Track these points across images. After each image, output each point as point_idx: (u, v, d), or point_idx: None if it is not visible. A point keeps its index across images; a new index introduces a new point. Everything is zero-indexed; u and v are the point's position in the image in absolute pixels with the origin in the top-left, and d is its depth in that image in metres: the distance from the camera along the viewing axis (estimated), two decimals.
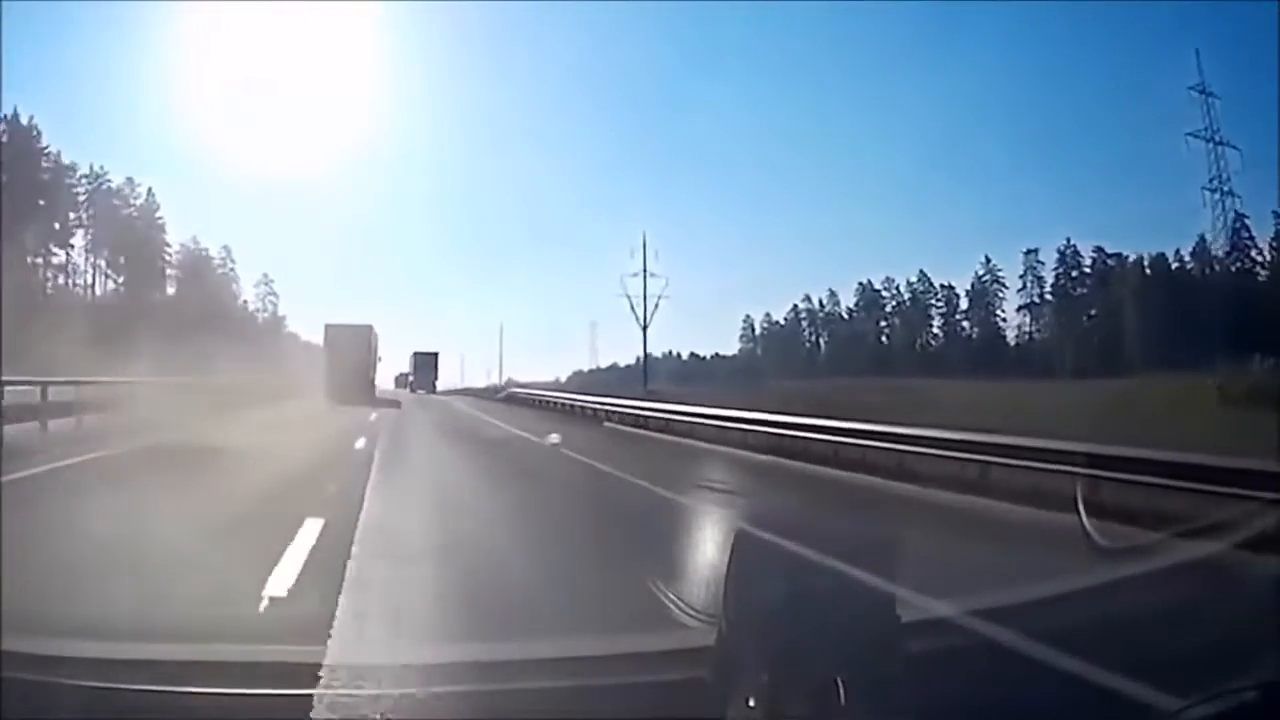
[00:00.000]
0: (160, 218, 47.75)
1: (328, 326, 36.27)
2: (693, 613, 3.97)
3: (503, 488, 12.59)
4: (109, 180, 46.74)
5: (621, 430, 23.74)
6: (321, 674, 3.58)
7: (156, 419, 18.82)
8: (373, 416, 25.84)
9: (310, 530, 7.49)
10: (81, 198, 45.96)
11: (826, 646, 2.99)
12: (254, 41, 44.66)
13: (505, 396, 42.38)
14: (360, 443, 17.51)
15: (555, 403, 34.64)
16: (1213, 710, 2.44)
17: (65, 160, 45.00)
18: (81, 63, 49.63)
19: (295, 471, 12.49)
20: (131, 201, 47.57)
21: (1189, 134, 36.16)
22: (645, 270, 40.10)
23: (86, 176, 46.11)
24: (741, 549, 3.68)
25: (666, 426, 21.50)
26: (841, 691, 2.85)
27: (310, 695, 3.36)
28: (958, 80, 42.87)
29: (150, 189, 47.10)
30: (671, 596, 4.43)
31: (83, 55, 46.01)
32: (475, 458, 17.16)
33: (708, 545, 6.49)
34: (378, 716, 3.31)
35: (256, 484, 10.66)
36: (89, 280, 46.36)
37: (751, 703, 2.85)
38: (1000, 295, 45.91)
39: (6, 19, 31.45)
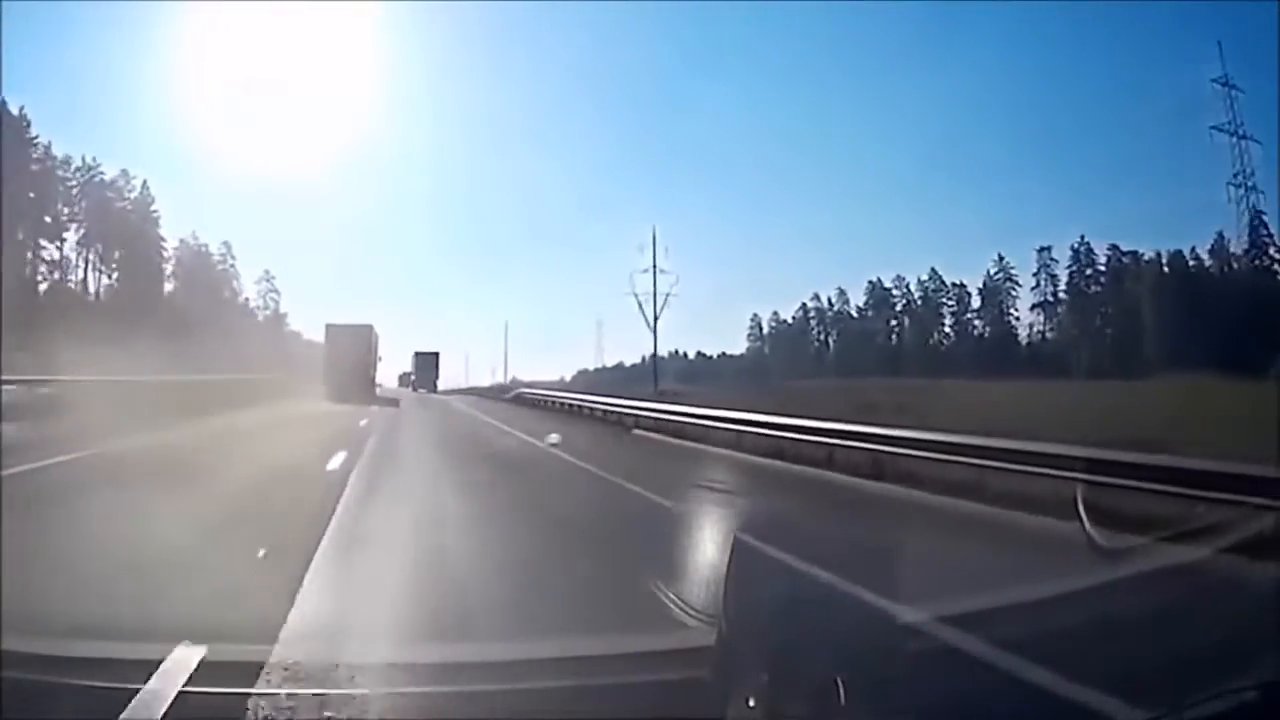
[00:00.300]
0: (155, 211, 46.72)
1: (328, 326, 36.66)
2: None
3: (527, 553, 7.46)
4: (102, 173, 45.55)
5: (655, 441, 19.15)
6: (320, 673, 3.65)
7: (104, 425, 15.41)
8: (363, 422, 22.14)
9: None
10: (74, 190, 44.87)
11: (826, 646, 3.05)
12: (254, 41, 44.59)
13: (513, 397, 39.29)
14: (336, 461, 13.09)
15: (567, 404, 31.13)
16: (1212, 710, 2.49)
17: (59, 154, 44.20)
18: (82, 61, 49.52)
19: (223, 515, 8.23)
20: (126, 195, 46.51)
21: (1213, 127, 35.73)
22: (655, 267, 40.07)
23: (79, 169, 44.87)
24: (740, 552, 3.74)
25: (706, 435, 17.61)
26: (841, 691, 2.90)
27: (310, 694, 3.43)
28: (967, 78, 42.85)
29: (145, 182, 46.08)
30: None
31: (83, 54, 45.74)
32: (482, 486, 11.97)
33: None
34: (381, 715, 3.38)
35: (142, 545, 6.57)
36: (80, 275, 45.11)
37: (751, 703, 2.90)
38: (1014, 293, 45.88)
39: (7, 17, 31.60)
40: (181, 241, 47.80)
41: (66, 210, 44.95)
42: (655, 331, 41.62)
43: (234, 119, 49.71)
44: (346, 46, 44.52)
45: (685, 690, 3.28)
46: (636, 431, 20.91)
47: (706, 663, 3.30)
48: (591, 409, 27.20)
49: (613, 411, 24.94)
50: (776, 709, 2.90)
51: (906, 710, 3.01)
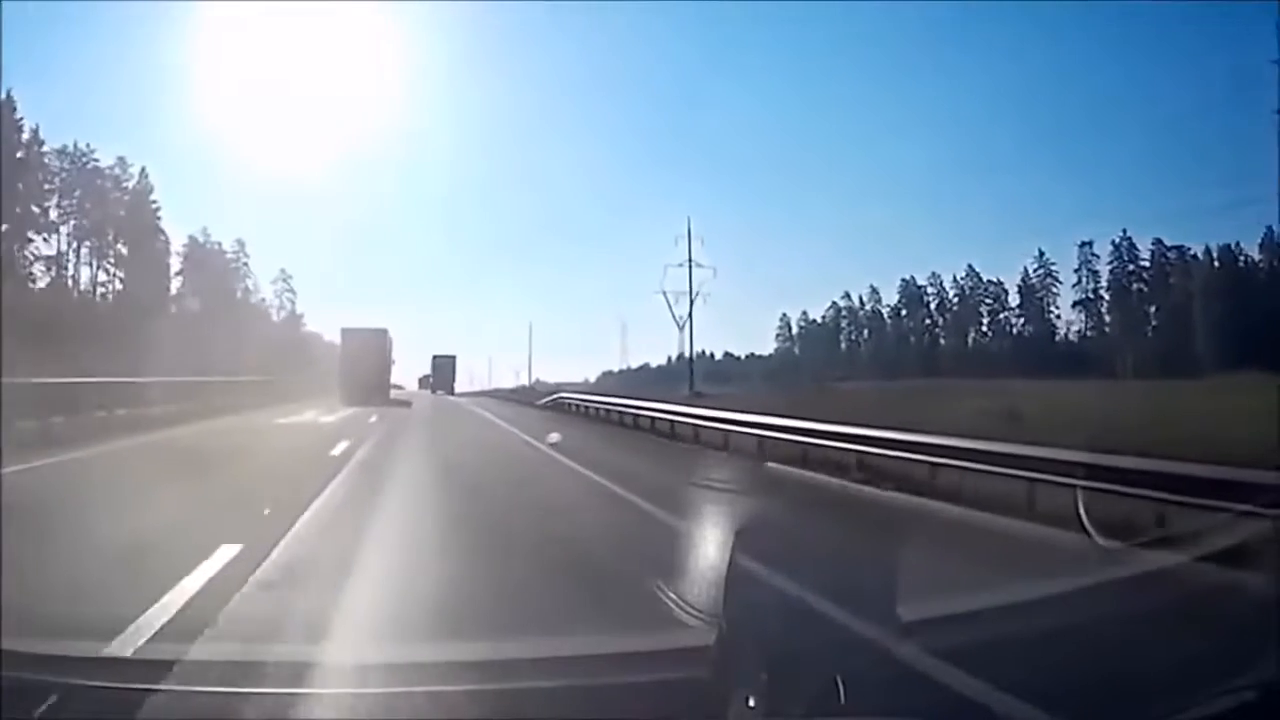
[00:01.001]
0: (155, 201, 45.08)
1: (343, 330, 37.80)
2: None
3: None
4: (96, 159, 43.51)
5: (850, 496, 11.01)
6: (319, 673, 3.75)
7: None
8: (339, 448, 15.13)
9: None
10: (67, 178, 42.82)
11: (826, 646, 3.10)
12: (271, 40, 45.20)
13: (550, 402, 31.79)
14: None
15: (628, 415, 23.00)
16: (1213, 710, 2.52)
17: (55, 145, 42.25)
18: (99, 60, 50.63)
19: None
20: (123, 183, 44.74)
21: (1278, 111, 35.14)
22: (690, 260, 40.11)
23: (70, 153, 42.65)
24: (741, 551, 3.80)
25: (910, 476, 10.84)
26: (841, 691, 2.96)
27: (311, 694, 3.52)
28: (1002, 72, 42.95)
29: (144, 169, 44.35)
30: None
31: (100, 53, 46.74)
32: None
33: None
34: (378, 715, 3.46)
35: None
36: (72, 270, 43.31)
37: (751, 702, 2.96)
38: (1054, 290, 45.48)
39: (24, 15, 31.91)
40: (191, 238, 47.40)
41: (65, 202, 43.34)
42: (691, 326, 41.57)
43: (250, 118, 50.57)
44: (364, 46, 45.23)
45: (685, 690, 3.33)
46: (771, 466, 13.38)
47: (706, 662, 3.36)
48: (669, 423, 19.48)
49: (698, 426, 17.62)
50: (776, 709, 2.95)
51: (907, 710, 3.05)
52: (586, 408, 27.79)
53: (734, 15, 43.62)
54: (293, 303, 50.94)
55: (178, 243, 46.81)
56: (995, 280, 46.79)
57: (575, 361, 63.00)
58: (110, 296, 43.87)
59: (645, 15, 45.07)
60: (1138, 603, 5.09)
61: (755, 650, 3.20)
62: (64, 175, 43.30)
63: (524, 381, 49.53)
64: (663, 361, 47.55)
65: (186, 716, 3.35)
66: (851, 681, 2.99)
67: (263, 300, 50.46)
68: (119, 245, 44.43)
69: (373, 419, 23.47)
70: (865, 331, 49.31)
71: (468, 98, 52.84)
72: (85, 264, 43.92)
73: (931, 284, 47.71)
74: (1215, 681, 2.62)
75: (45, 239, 42.40)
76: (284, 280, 50.54)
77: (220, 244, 48.53)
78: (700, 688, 3.27)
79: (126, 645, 4.42)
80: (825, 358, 47.48)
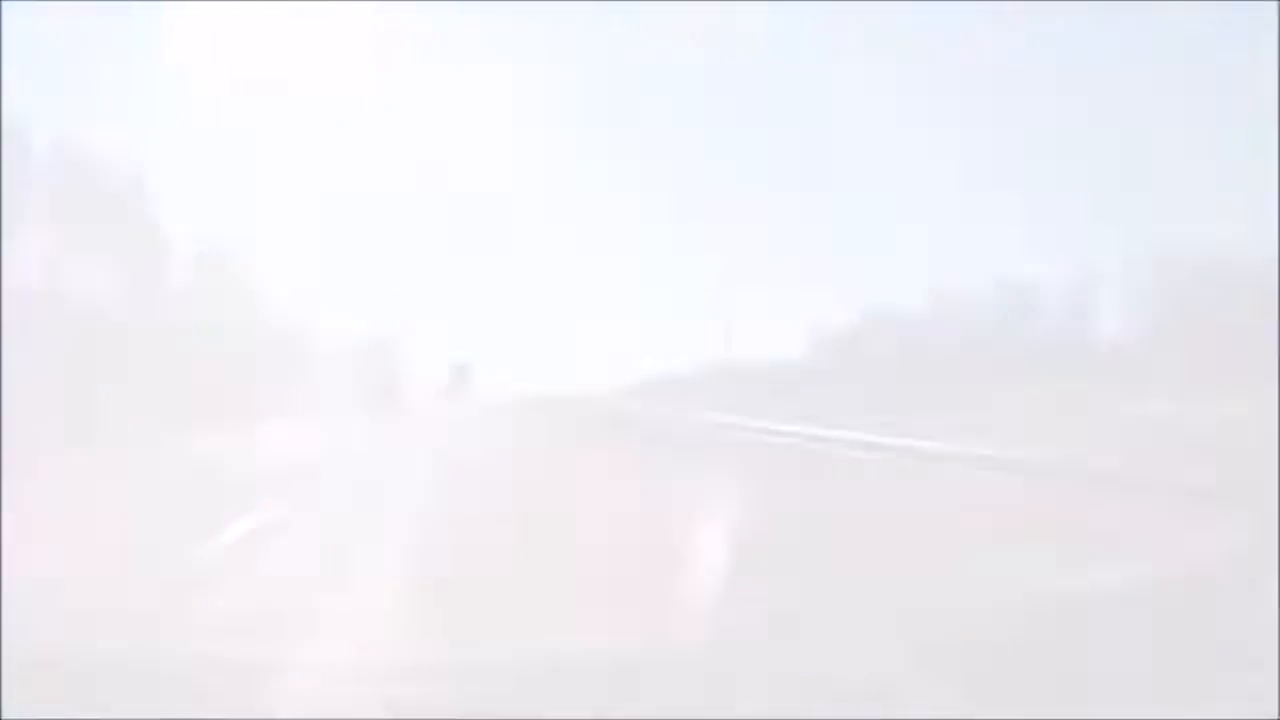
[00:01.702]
0: (147, 191, 38.68)
1: (355, 337, 39.27)
2: None
3: None
4: (81, 146, 36.98)
5: None
6: (319, 672, 3.83)
7: None
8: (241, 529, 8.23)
9: None
10: (39, 162, 40.58)
11: (826, 645, 3.14)
12: (283, 40, 45.40)
13: (609, 416, 26.99)
14: None
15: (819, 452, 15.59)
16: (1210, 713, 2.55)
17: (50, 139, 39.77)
18: (103, 59, 50.89)
19: None
20: (111, 171, 40.39)
21: None
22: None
23: (57, 144, 35.71)
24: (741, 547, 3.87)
25: None
26: (842, 692, 3.01)
27: (306, 692, 3.60)
28: (1028, 66, 42.42)
29: (135, 157, 39.38)
30: None
31: (105, 51, 46.94)
32: None
33: None
34: (375, 714, 3.54)
35: None
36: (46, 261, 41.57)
37: (750, 702, 3.01)
38: (1095, 292, 44.99)
39: (24, 13, 32.01)
40: (194, 235, 46.12)
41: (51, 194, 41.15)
42: (727, 329, 41.21)
43: (259, 116, 50.56)
44: (378, 45, 45.22)
45: (685, 690, 3.39)
46: None
47: (706, 663, 3.41)
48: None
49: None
50: (774, 709, 3.00)
51: (907, 710, 3.09)
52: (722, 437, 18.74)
53: (749, 16, 43.32)
54: (302, 304, 50.74)
55: (180, 241, 45.77)
56: (1030, 284, 46.34)
57: (594, 366, 62.91)
58: (97, 294, 42.98)
59: (650, 13, 44.86)
60: None
61: (755, 650, 3.25)
62: (50, 165, 41.72)
63: (550, 389, 49.19)
64: (690, 366, 47.32)
65: (189, 716, 3.43)
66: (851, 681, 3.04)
67: (268, 301, 50.14)
68: (109, 238, 43.27)
69: (358, 439, 18.27)
70: (892, 337, 49.00)
71: (485, 96, 52.95)
72: (68, 256, 42.63)
73: (962, 286, 47.30)
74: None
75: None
76: (292, 281, 50.19)
77: (222, 241, 47.55)
78: (700, 688, 3.32)
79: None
80: (849, 364, 47.15)
